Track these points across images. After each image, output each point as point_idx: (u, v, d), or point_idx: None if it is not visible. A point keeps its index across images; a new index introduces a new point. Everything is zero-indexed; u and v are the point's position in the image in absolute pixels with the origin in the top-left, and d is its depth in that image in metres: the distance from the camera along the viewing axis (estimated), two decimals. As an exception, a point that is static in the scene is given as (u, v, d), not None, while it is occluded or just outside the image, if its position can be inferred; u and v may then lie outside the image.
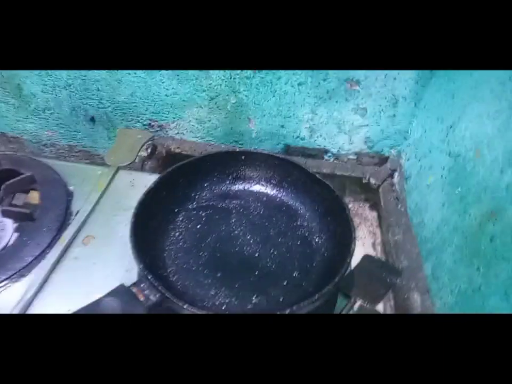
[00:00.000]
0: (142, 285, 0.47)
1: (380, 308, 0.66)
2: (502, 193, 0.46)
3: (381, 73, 0.68)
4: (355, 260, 0.60)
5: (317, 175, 0.60)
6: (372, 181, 0.80)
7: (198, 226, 0.59)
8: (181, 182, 0.61)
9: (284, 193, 0.64)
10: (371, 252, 0.77)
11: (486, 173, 0.50)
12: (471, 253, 0.51)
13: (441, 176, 0.61)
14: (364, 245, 0.79)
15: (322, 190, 0.59)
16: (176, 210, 0.60)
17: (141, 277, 0.47)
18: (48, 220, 0.61)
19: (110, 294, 0.46)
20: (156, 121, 0.81)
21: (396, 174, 0.78)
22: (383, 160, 0.80)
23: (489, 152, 0.50)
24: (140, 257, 0.47)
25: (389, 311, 0.64)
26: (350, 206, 0.86)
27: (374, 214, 0.84)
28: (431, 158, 0.66)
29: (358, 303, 0.55)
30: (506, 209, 0.45)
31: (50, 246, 0.58)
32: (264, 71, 0.70)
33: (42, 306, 0.54)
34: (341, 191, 0.85)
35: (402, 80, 0.69)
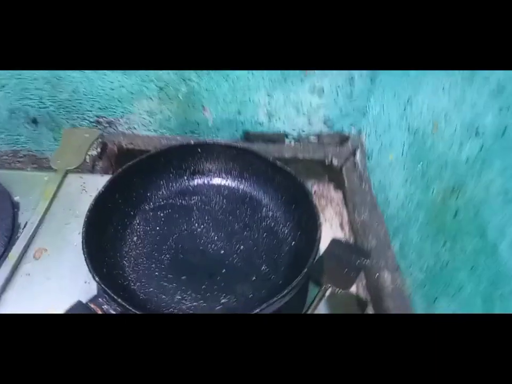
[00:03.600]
0: (100, 300, 0.44)
1: (353, 289, 0.66)
2: (462, 168, 0.46)
3: (334, 51, 0.66)
4: (323, 244, 0.59)
5: (278, 163, 0.58)
6: (334, 161, 0.79)
7: (157, 228, 0.56)
8: (135, 181, 0.57)
9: (245, 184, 0.62)
10: (339, 233, 0.77)
11: (445, 147, 0.49)
12: (436, 229, 0.51)
13: (402, 152, 0.61)
14: (332, 226, 0.78)
15: (284, 178, 0.57)
16: (132, 213, 0.57)
17: (99, 290, 0.44)
18: (-7, 236, 0.56)
19: (67, 312, 0.42)
20: (104, 117, 0.76)
21: (358, 153, 0.77)
22: (344, 139, 0.79)
23: (447, 126, 0.49)
24: (95, 269, 0.44)
25: (361, 292, 0.64)
26: (314, 187, 0.85)
27: (340, 194, 0.83)
28: (391, 135, 0.65)
29: (330, 289, 0.53)
30: (467, 184, 0.45)
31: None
32: (213, 56, 0.66)
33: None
34: (304, 174, 0.83)
35: (356, 56, 0.67)
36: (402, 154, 0.61)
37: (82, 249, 0.46)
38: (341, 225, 0.78)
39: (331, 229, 0.78)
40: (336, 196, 0.84)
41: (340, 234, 0.76)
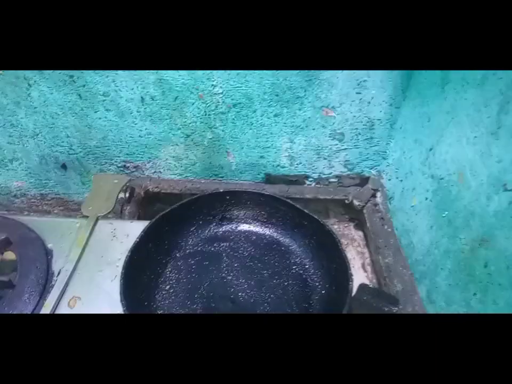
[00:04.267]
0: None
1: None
2: (490, 220, 0.47)
3: (355, 98, 0.69)
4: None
5: (305, 210, 0.59)
6: (355, 201, 0.81)
7: (189, 276, 0.57)
8: (166, 230, 0.59)
9: (273, 230, 0.63)
10: (361, 274, 0.77)
11: (472, 198, 0.51)
12: (465, 278, 0.51)
13: (426, 198, 0.62)
14: (354, 267, 0.79)
15: (311, 224, 0.59)
16: (164, 261, 0.58)
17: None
18: (29, 285, 0.57)
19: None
20: (131, 162, 0.78)
21: (379, 194, 0.79)
22: (364, 180, 0.81)
23: (473, 177, 0.51)
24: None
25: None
26: (335, 227, 0.86)
27: (360, 233, 0.84)
28: (413, 179, 0.66)
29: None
30: (497, 236, 0.46)
31: (34, 311, 0.55)
32: (238, 106, 0.69)
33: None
34: (324, 213, 0.85)
35: (376, 104, 0.69)
36: (426, 199, 0.62)
37: (121, 301, 0.47)
38: (363, 266, 0.78)
39: (353, 269, 0.78)
40: (357, 235, 0.85)
41: (362, 276, 0.76)
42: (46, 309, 0.56)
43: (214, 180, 0.80)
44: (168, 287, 0.56)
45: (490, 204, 0.47)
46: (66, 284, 0.59)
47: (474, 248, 0.50)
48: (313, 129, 0.73)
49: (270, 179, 0.81)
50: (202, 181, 0.80)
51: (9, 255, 0.62)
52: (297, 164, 0.78)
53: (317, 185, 0.82)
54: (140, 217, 0.76)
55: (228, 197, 0.62)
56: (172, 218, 0.59)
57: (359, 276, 0.76)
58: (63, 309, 0.57)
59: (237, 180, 0.81)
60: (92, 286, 0.59)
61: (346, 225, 0.87)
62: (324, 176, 0.81)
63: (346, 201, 0.82)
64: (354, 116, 0.71)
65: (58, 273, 0.60)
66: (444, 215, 0.57)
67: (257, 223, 0.64)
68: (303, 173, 0.80)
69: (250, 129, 0.72)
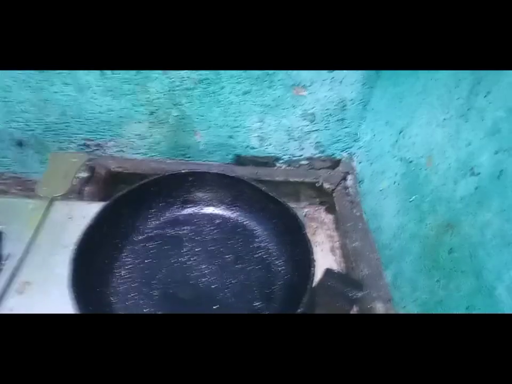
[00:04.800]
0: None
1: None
2: (457, 205, 0.46)
3: (327, 77, 0.66)
4: (316, 271, 0.58)
5: (271, 193, 0.57)
6: (326, 184, 0.79)
7: (146, 261, 0.54)
8: (124, 213, 0.55)
9: (238, 214, 0.61)
10: (330, 258, 0.76)
11: (439, 182, 0.49)
12: (430, 264, 0.50)
13: (394, 182, 0.60)
14: (323, 250, 0.78)
15: (277, 207, 0.56)
16: (120, 245, 0.55)
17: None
18: (-25, 269, 0.54)
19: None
20: (92, 140, 0.74)
21: (349, 177, 0.77)
22: (335, 163, 0.79)
23: (441, 161, 0.49)
24: (81, 309, 0.42)
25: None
26: (306, 210, 0.84)
27: (331, 217, 0.83)
28: (383, 163, 0.65)
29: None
30: (462, 222, 0.44)
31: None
32: (205, 82, 0.65)
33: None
34: (295, 196, 0.83)
35: (348, 84, 0.67)
36: (394, 183, 0.61)
37: (69, 286, 0.44)
38: (332, 250, 0.77)
39: (322, 252, 0.77)
40: (327, 218, 0.83)
41: (330, 259, 0.75)
42: (-8, 295, 0.53)
43: (181, 160, 0.77)
44: (124, 272, 0.53)
45: (457, 189, 0.46)
46: (16, 268, 0.55)
47: (439, 233, 0.49)
48: (284, 108, 0.70)
49: (240, 160, 0.78)
50: (168, 161, 0.77)
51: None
52: (267, 145, 0.76)
53: (287, 168, 0.80)
54: (101, 199, 0.72)
55: (190, 178, 0.59)
56: (130, 200, 0.55)
57: (328, 260, 0.75)
58: (12, 295, 0.53)
59: (205, 161, 0.78)
60: (44, 271, 0.56)
61: (317, 208, 0.85)
62: (294, 158, 0.78)
63: (316, 184, 0.80)
64: (326, 96, 0.69)
65: (7, 257, 0.56)
66: (411, 199, 0.55)
67: (222, 206, 0.61)
68: (273, 154, 0.78)
69: (218, 107, 0.69)
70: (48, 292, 0.54)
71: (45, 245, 0.58)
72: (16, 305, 0.53)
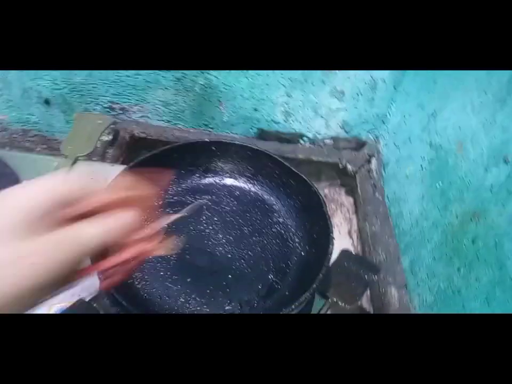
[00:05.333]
0: (103, 299, 0.43)
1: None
2: (486, 193, 0.44)
3: (359, 54, 0.64)
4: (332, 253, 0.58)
5: (293, 168, 0.56)
6: (349, 166, 0.78)
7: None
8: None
9: (258, 187, 0.60)
10: (347, 241, 0.75)
11: (469, 169, 0.48)
12: (451, 252, 0.49)
13: (421, 167, 0.59)
14: (340, 233, 0.77)
15: (298, 183, 0.56)
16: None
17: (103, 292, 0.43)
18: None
19: (68, 310, 0.42)
20: (118, 103, 0.74)
21: (374, 160, 0.75)
22: (361, 145, 0.77)
23: (473, 147, 0.47)
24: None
25: (365, 306, 0.63)
26: (326, 191, 0.83)
27: (350, 199, 0.82)
28: (411, 147, 0.63)
29: (335, 303, 0.52)
30: (490, 211, 0.43)
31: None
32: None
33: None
34: (316, 176, 0.82)
35: (382, 62, 0.65)
36: (421, 168, 0.59)
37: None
38: (349, 233, 0.76)
39: (339, 235, 0.76)
40: (347, 201, 0.82)
41: (347, 242, 0.75)
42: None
43: (204, 130, 0.77)
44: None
45: (487, 177, 0.44)
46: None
47: (464, 222, 0.47)
48: (313, 84, 0.69)
49: (262, 135, 0.77)
50: (191, 130, 0.76)
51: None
52: (292, 121, 0.75)
53: (311, 146, 0.79)
54: (124, 163, 0.72)
55: (213, 148, 0.59)
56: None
57: (344, 242, 0.74)
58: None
59: (228, 133, 0.77)
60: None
61: (337, 189, 0.84)
62: (319, 136, 0.77)
63: (339, 165, 0.79)
64: (357, 74, 0.67)
65: (31, 212, 0.57)
66: (437, 185, 0.54)
67: (243, 178, 0.61)
68: (297, 130, 0.76)
69: (245, 77, 0.68)
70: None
71: (67, 203, 0.59)
72: (37, 258, 0.54)
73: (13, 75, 0.71)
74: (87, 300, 0.43)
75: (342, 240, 0.75)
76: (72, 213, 0.25)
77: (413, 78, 0.64)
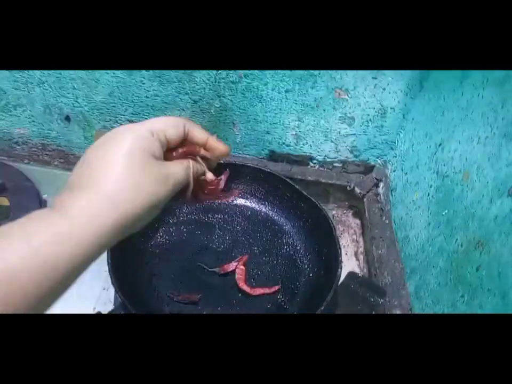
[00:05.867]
0: (119, 312, 0.44)
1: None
2: (490, 224, 0.46)
3: (370, 83, 0.67)
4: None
5: (304, 192, 0.58)
6: (357, 189, 0.79)
7: (179, 243, 0.57)
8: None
9: (269, 208, 0.62)
10: (353, 262, 0.77)
11: (474, 199, 0.49)
12: (456, 279, 0.51)
13: (428, 194, 0.61)
14: (347, 254, 0.78)
15: (309, 206, 0.58)
16: (156, 225, 0.58)
17: (116, 303, 0.45)
18: (19, 233, 0.57)
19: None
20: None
21: (382, 185, 0.77)
22: (369, 169, 0.79)
23: (479, 178, 0.49)
24: (119, 286, 0.45)
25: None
26: (333, 212, 0.85)
27: (358, 221, 0.84)
28: (418, 173, 0.65)
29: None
30: (494, 241, 0.45)
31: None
32: (250, 77, 0.67)
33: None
34: (324, 197, 0.84)
35: (391, 91, 0.67)
36: (428, 195, 0.61)
37: (107, 260, 0.47)
38: (356, 255, 0.78)
39: (345, 256, 0.78)
40: (354, 222, 0.84)
41: (354, 264, 0.76)
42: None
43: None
44: (157, 250, 0.55)
45: (492, 208, 0.46)
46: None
47: (469, 250, 0.49)
48: (324, 110, 0.71)
49: (273, 156, 0.80)
50: (205, 151, 0.79)
51: (3, 201, 0.62)
52: (303, 144, 0.77)
53: (320, 168, 0.81)
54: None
55: (226, 169, 0.61)
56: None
57: (351, 264, 0.76)
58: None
59: (240, 154, 0.80)
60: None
61: (344, 211, 0.86)
62: (328, 159, 0.79)
63: (348, 188, 0.81)
64: (367, 101, 0.69)
65: (50, 225, 0.60)
66: (443, 213, 0.56)
67: (254, 199, 0.63)
68: (308, 153, 0.79)
69: (260, 102, 0.71)
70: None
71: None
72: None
73: (37, 92, 0.74)
74: (102, 312, 0.45)
75: (348, 262, 0.77)
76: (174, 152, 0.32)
77: (422, 108, 0.66)
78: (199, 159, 0.35)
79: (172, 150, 0.32)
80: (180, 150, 0.33)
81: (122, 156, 0.27)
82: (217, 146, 0.36)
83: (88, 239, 0.25)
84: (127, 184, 0.27)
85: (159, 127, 0.31)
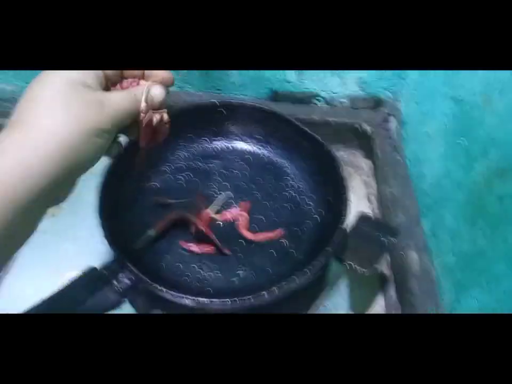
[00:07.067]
0: (115, 267, 0.42)
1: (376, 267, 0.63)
2: (514, 148, 0.41)
3: (377, 4, 0.59)
4: (348, 217, 0.56)
5: (307, 129, 0.53)
6: (366, 127, 0.74)
7: (175, 192, 0.53)
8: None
9: (270, 150, 0.58)
10: (365, 205, 0.73)
11: (494, 123, 0.44)
12: (476, 212, 0.46)
13: (443, 123, 0.55)
14: (359, 197, 0.74)
15: (312, 146, 0.53)
16: (149, 175, 0.54)
17: (113, 257, 0.43)
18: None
19: (80, 279, 0.41)
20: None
21: (392, 119, 0.72)
22: (378, 103, 0.73)
23: (501, 99, 0.44)
24: (110, 237, 0.42)
25: (385, 270, 0.62)
26: (341, 153, 0.80)
27: (369, 162, 0.79)
28: (432, 102, 0.59)
29: (352, 267, 0.51)
30: (519, 167, 0.40)
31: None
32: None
33: (9, 289, 0.50)
34: (332, 138, 0.78)
35: (401, 11, 0.60)
36: (443, 125, 0.55)
37: (98, 212, 0.44)
38: (368, 197, 0.74)
39: (356, 199, 0.74)
40: (365, 164, 0.79)
41: (366, 207, 0.72)
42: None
43: (213, 93, 0.74)
44: (151, 200, 0.52)
45: (515, 130, 0.41)
46: (48, 193, 0.56)
47: (490, 179, 0.44)
48: (326, 39, 0.65)
49: (275, 96, 0.74)
50: (201, 94, 0.74)
51: None
52: (305, 79, 0.71)
53: (325, 106, 0.75)
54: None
55: (223, 110, 0.56)
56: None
57: (362, 206, 0.72)
58: (46, 217, 0.54)
59: (238, 96, 0.74)
60: (75, 196, 0.56)
61: (354, 152, 0.80)
62: (334, 95, 0.73)
63: (356, 126, 0.75)
64: (374, 25, 0.62)
65: (41, 181, 0.57)
66: (460, 142, 0.51)
67: (254, 141, 0.58)
68: (311, 90, 0.73)
69: (254, 35, 0.64)
70: (79, 215, 0.54)
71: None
72: (49, 227, 0.54)
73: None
74: (98, 267, 0.43)
75: (360, 204, 0.73)
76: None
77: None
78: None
79: (114, 85, 0.33)
80: (124, 82, 0.33)
81: (51, 90, 0.27)
82: (156, 72, 0.34)
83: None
84: (58, 113, 0.26)
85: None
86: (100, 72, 0.30)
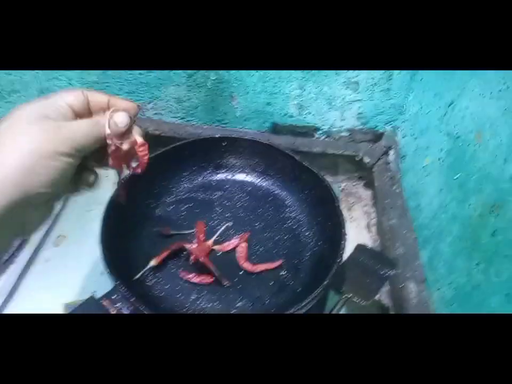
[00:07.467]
0: (114, 296, 0.43)
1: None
2: (505, 185, 0.42)
3: (373, 43, 0.62)
4: (348, 246, 0.57)
5: (305, 162, 0.55)
6: (366, 159, 0.76)
7: (178, 223, 0.55)
8: (157, 173, 0.56)
9: (270, 182, 0.59)
10: (365, 234, 0.74)
11: (488, 159, 0.45)
12: (470, 246, 0.47)
13: (439, 158, 0.57)
14: (358, 226, 0.75)
15: (310, 178, 0.55)
16: (152, 206, 0.56)
17: (114, 286, 0.44)
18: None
19: (78, 308, 0.42)
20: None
21: (391, 152, 0.73)
22: (378, 137, 0.75)
23: (492, 137, 0.45)
24: (111, 266, 0.43)
25: (384, 300, 0.62)
26: (343, 184, 0.81)
27: (369, 192, 0.80)
28: (429, 137, 0.61)
29: (350, 299, 0.51)
30: (509, 203, 0.41)
31: (19, 249, 0.54)
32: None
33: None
34: (333, 170, 0.80)
35: (397, 51, 0.63)
36: (439, 160, 0.57)
37: (100, 242, 0.45)
38: (368, 227, 0.75)
39: (357, 228, 0.75)
40: (365, 194, 0.80)
41: (365, 236, 0.73)
42: (30, 247, 0.55)
43: (217, 126, 0.76)
44: (155, 231, 0.53)
45: (506, 168, 0.42)
46: (54, 222, 0.58)
47: (483, 214, 0.45)
48: (326, 75, 0.67)
49: (277, 129, 0.76)
50: (205, 127, 0.76)
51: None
52: (306, 114, 0.73)
53: (326, 139, 0.77)
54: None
55: (224, 143, 0.58)
56: (163, 162, 0.55)
57: (362, 236, 0.73)
58: (48, 247, 0.56)
59: (241, 128, 0.77)
60: (79, 226, 0.58)
61: (355, 183, 0.82)
62: (334, 129, 0.75)
63: (356, 158, 0.77)
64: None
65: (47, 210, 0.59)
66: (455, 177, 0.52)
67: (254, 174, 0.60)
68: (312, 124, 0.75)
69: (257, 71, 0.67)
70: (82, 245, 0.56)
71: (81, 201, 0.60)
72: (53, 256, 0.55)
73: (29, 76, 0.72)
74: (97, 296, 0.44)
75: (360, 234, 0.73)
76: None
77: (430, 66, 0.61)
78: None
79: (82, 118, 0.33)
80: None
81: (11, 123, 0.29)
82: (120, 102, 0.35)
83: None
84: (11, 140, 0.28)
85: (54, 95, 0.32)
86: (63, 105, 0.31)
